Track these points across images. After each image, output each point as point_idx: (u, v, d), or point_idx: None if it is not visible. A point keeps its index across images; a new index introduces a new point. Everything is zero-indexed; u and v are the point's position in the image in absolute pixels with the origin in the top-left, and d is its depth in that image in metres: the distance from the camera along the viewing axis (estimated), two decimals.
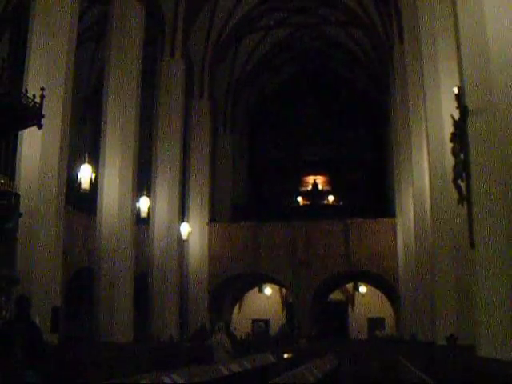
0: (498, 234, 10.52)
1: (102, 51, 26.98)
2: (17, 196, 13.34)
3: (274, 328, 37.67)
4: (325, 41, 39.79)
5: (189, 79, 33.28)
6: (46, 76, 17.06)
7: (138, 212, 25.80)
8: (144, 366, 14.93)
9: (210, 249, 34.00)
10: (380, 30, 32.39)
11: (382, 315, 39.79)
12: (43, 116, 13.41)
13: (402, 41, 26.19)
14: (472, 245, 11.23)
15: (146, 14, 25.55)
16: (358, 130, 42.97)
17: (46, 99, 13.45)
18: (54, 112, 16.78)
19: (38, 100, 13.18)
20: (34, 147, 16.72)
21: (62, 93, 17.46)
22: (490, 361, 9.87)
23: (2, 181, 12.98)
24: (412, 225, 24.94)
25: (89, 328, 22.46)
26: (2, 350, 9.33)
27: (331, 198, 42.40)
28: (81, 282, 25.79)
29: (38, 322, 11.65)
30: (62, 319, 18.11)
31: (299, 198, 42.85)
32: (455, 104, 11.84)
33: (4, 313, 12.13)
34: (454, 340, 14.32)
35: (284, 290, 39.60)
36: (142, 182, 26.35)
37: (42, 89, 13.36)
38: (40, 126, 13.58)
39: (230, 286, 36.48)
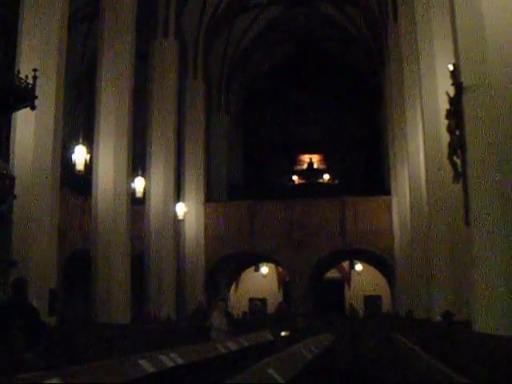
0: (493, 211, 10.57)
1: (95, 31, 26.80)
2: (11, 178, 13.33)
3: (271, 307, 37.73)
4: (319, 19, 39.56)
5: (182, 59, 33.17)
6: (38, 57, 16.94)
7: (134, 192, 25.77)
8: (142, 346, 14.96)
9: (206, 228, 34.00)
10: (375, 8, 32.28)
11: (378, 293, 39.96)
12: (36, 97, 13.37)
13: (396, 19, 26.10)
14: (467, 222, 11.28)
15: None
16: (353, 108, 42.91)
17: (38, 80, 13.42)
18: (47, 93, 16.68)
19: (30, 81, 13.14)
20: (28, 129, 16.63)
21: (54, 74, 17.33)
22: (485, 336, 9.93)
23: None
24: (407, 202, 24.98)
25: (86, 309, 22.50)
26: (0, 333, 9.35)
27: (327, 176, 42.46)
28: (77, 263, 25.80)
29: (35, 304, 11.67)
30: (60, 301, 18.12)
31: (295, 177, 42.91)
32: (450, 81, 11.87)
33: (1, 295, 12.15)
34: (450, 316, 14.37)
35: (280, 269, 39.64)
36: (137, 163, 26.30)
37: (35, 70, 13.33)
38: (33, 108, 13.55)
39: (226, 265, 36.53)
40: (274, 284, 41.58)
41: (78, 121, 32.56)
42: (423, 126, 18.21)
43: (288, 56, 43.86)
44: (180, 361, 8.33)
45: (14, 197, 13.27)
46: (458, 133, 11.58)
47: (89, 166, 21.76)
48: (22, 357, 8.87)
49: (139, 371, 6.98)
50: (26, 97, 13.27)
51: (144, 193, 27.16)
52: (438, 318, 15.58)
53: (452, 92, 11.76)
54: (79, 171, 20.92)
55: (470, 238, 11.25)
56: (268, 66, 44.44)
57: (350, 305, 37.38)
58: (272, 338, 16.51)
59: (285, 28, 40.79)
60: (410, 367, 8.72)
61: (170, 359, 8.10)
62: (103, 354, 12.68)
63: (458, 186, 12.13)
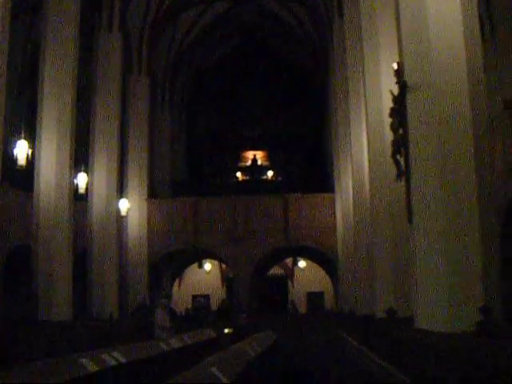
0: (435, 209, 10.70)
1: (38, 23, 26.40)
2: None
3: (215, 303, 37.71)
4: (264, 15, 39.62)
5: (127, 54, 32.91)
6: None
7: (76, 188, 25.47)
8: (84, 344, 14.81)
9: (149, 225, 33.81)
10: (320, 5, 32.41)
11: (321, 290, 40.19)
12: None
13: (341, 16, 26.21)
14: (410, 220, 11.39)
15: None
16: (297, 105, 43.04)
17: None
18: None
19: None
20: None
21: None
22: (427, 333, 10.04)
23: None
24: (351, 200, 25.15)
25: (27, 307, 22.18)
26: None
27: (270, 173, 42.53)
28: (18, 260, 25.43)
29: None
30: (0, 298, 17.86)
31: (238, 174, 42.88)
32: (394, 79, 11.95)
33: None
34: (393, 313, 14.51)
35: (224, 266, 39.65)
36: (80, 158, 25.99)
37: None
38: None
39: (169, 261, 36.40)
40: (218, 280, 41.57)
41: (20, 115, 32.09)
42: (367, 124, 18.35)
43: (233, 53, 43.80)
44: (122, 359, 8.26)
45: None
46: (401, 131, 11.67)
47: (31, 161, 21.45)
48: None
49: (81, 370, 6.90)
50: None
51: (86, 189, 26.86)
52: (382, 315, 15.72)
53: (396, 90, 11.85)
54: (21, 166, 20.61)
55: (412, 235, 11.36)
56: (213, 62, 44.34)
57: (292, 302, 37.61)
58: (215, 336, 16.49)
59: (231, 24, 40.74)
60: (354, 364, 8.78)
61: (113, 358, 8.02)
62: (44, 352, 12.52)
63: (401, 184, 12.24)
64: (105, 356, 7.93)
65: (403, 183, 11.91)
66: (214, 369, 6.10)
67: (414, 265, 11.27)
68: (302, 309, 39.10)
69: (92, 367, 7.15)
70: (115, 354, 8.22)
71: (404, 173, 11.77)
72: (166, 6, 34.76)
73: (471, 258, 10.35)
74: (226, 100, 43.21)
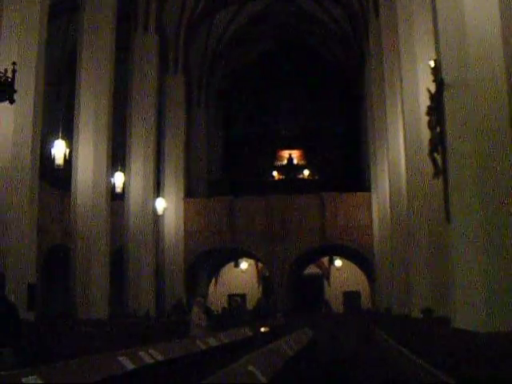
0: (473, 208, 10.59)
1: (76, 25, 26.60)
2: None
3: (251, 303, 37.71)
4: (300, 15, 39.52)
5: (163, 54, 33.04)
6: (18, 50, 16.83)
7: (113, 188, 25.63)
8: (121, 342, 14.88)
9: (185, 224, 33.93)
10: (356, 4, 32.28)
11: (357, 289, 40.02)
12: (15, 91, 13.28)
13: (377, 15, 26.09)
14: (448, 219, 11.29)
15: None
16: (333, 104, 42.89)
17: (18, 74, 13.32)
18: (27, 87, 16.59)
19: (9, 75, 13.03)
20: (7, 123, 16.53)
21: (34, 67, 17.24)
22: (464, 333, 9.95)
23: None
24: (387, 199, 25.02)
25: (65, 305, 22.37)
26: None
27: (306, 172, 42.42)
28: (56, 258, 25.66)
29: (13, 299, 11.56)
30: (38, 296, 18.01)
31: (274, 173, 42.82)
32: (431, 77, 11.88)
33: None
34: (429, 313, 14.42)
35: (260, 265, 39.66)
36: (117, 158, 26.17)
37: (14, 63, 13.23)
38: (12, 101, 13.44)
39: (205, 261, 36.50)
40: (254, 280, 41.58)
41: (58, 115, 32.36)
42: (404, 122, 18.25)
43: (269, 51, 43.75)
44: (160, 357, 8.28)
45: None
46: (438, 129, 11.59)
47: (68, 160, 21.62)
48: None
49: (119, 368, 6.93)
50: (4, 90, 13.15)
51: (123, 188, 27.01)
52: (418, 314, 15.62)
53: (433, 88, 11.78)
54: (58, 166, 20.77)
55: (450, 234, 11.27)
56: (249, 62, 44.28)
57: (325, 301, 37.48)
58: (252, 334, 16.49)
59: (266, 23, 40.69)
60: (391, 363, 8.71)
61: (150, 356, 8.05)
62: (82, 350, 12.60)
63: (439, 183, 12.15)
64: (142, 354, 7.95)
65: (441, 181, 11.82)
66: (251, 367, 6.09)
67: (452, 264, 11.18)
68: (339, 308, 38.94)
69: (129, 365, 7.18)
70: (152, 352, 8.25)
71: (442, 171, 11.68)
72: (201, 6, 34.87)
73: (510, 258, 10.24)
74: (262, 99, 43.20)
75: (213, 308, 27.65)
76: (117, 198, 26.70)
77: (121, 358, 7.19)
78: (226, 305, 36.60)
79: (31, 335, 11.95)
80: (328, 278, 41.33)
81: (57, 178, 25.35)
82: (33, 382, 5.05)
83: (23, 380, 5.02)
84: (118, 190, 26.43)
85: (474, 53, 10.80)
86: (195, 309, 17.09)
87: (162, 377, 8.16)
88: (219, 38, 38.97)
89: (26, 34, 17.30)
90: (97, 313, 21.48)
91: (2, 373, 5.28)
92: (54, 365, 6.12)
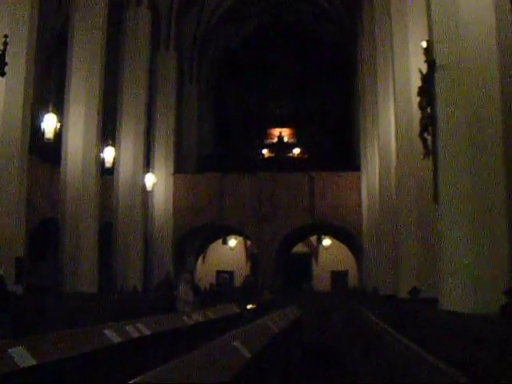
0: (462, 189, 10.61)
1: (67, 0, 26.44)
2: None
3: (239, 280, 37.82)
4: None
5: (155, 30, 32.88)
6: (9, 23, 16.74)
7: (103, 162, 25.57)
8: (108, 316, 14.93)
9: (174, 200, 33.95)
10: None
11: (345, 268, 40.16)
12: (6, 63, 13.22)
13: None
14: (436, 199, 11.32)
15: None
16: (324, 82, 42.81)
17: (9, 46, 13.25)
18: (18, 60, 16.50)
19: (0, 47, 12.97)
20: None
21: (25, 40, 17.16)
22: (451, 314, 10.00)
23: None
24: (377, 178, 25.05)
25: (53, 279, 22.40)
26: None
27: (296, 150, 42.46)
28: (45, 232, 25.65)
29: (1, 272, 11.58)
30: (27, 270, 18.02)
31: (264, 151, 42.85)
32: (423, 58, 11.85)
33: None
34: (416, 293, 14.48)
35: (248, 242, 39.75)
36: (107, 133, 26.09)
37: (6, 36, 13.17)
38: (3, 74, 13.39)
39: (194, 237, 36.57)
40: (242, 257, 41.69)
41: (49, 89, 32.24)
42: (395, 102, 18.23)
43: (261, 29, 43.62)
44: (146, 331, 8.33)
45: None
46: (429, 110, 11.59)
47: (58, 134, 21.56)
48: None
49: (105, 341, 6.96)
50: None
51: (113, 163, 26.94)
52: (405, 294, 15.68)
53: (425, 69, 11.77)
54: (48, 139, 20.72)
55: (438, 214, 11.30)
56: (241, 39, 44.21)
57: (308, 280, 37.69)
58: (238, 311, 16.56)
59: (259, 0, 40.53)
60: (376, 343, 8.77)
61: (136, 329, 8.09)
62: (69, 323, 12.63)
63: (428, 163, 12.17)
64: (129, 328, 7.99)
65: (430, 162, 11.85)
66: (236, 342, 6.14)
67: (439, 245, 11.22)
68: (326, 287, 39.09)
69: (116, 338, 7.22)
70: (139, 326, 8.29)
71: (431, 152, 11.70)
72: None
73: (497, 239, 10.27)
74: (253, 77, 43.11)
75: (200, 284, 27.71)
76: (107, 173, 26.65)
77: (107, 331, 7.22)
78: (214, 281, 36.73)
79: (18, 308, 11.97)
80: (316, 257, 41.47)
81: (47, 153, 25.26)
82: (19, 353, 5.07)
83: (9, 351, 5.04)
84: (108, 164, 26.34)
85: (467, 34, 10.79)
86: (183, 285, 17.15)
87: (148, 350, 8.20)
88: (212, 15, 38.76)
89: (17, 7, 17.18)
90: (85, 287, 21.53)
91: None
92: (41, 336, 6.15)
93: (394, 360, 6.37)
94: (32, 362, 5.17)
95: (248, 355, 5.90)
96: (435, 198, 11.37)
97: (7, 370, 4.90)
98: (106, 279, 26.20)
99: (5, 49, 13.04)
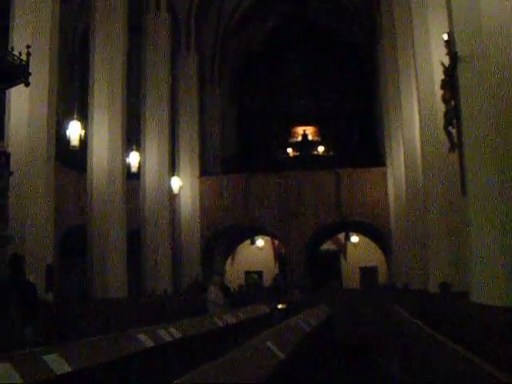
0: (489, 181, 10.54)
1: (88, 5, 26.59)
2: (7, 155, 13.31)
3: (268, 279, 37.83)
4: None
5: (175, 32, 32.99)
6: (31, 33, 16.88)
7: (129, 167, 25.69)
8: (139, 320, 15.00)
9: (201, 202, 34.03)
10: None
11: (374, 264, 40.01)
12: (30, 73, 13.32)
13: None
14: (463, 192, 11.26)
15: None
16: (347, 79, 42.70)
17: (32, 57, 13.36)
18: (41, 69, 16.62)
19: (24, 58, 13.07)
20: (22, 106, 16.60)
21: (48, 50, 17.28)
22: (482, 307, 9.93)
23: None
24: (403, 173, 24.98)
25: (83, 285, 22.53)
26: None
27: (321, 148, 42.34)
28: (74, 239, 25.81)
29: (32, 280, 11.66)
30: (56, 277, 18.15)
31: (289, 149, 42.78)
32: (445, 51, 11.80)
33: None
34: (447, 287, 14.41)
35: (276, 242, 39.71)
36: (132, 138, 26.23)
37: (28, 46, 13.27)
38: (27, 84, 13.49)
39: (222, 238, 36.60)
40: (270, 257, 41.63)
41: (73, 96, 32.44)
42: (418, 96, 18.16)
43: (282, 28, 43.57)
44: (178, 335, 8.35)
45: (11, 173, 13.25)
46: (453, 103, 11.54)
47: (83, 141, 21.70)
48: (19, 333, 8.88)
49: (138, 346, 6.99)
50: (19, 73, 13.20)
51: (139, 168, 27.07)
52: (435, 289, 15.61)
53: (447, 62, 11.71)
54: (74, 147, 20.87)
55: (467, 207, 11.24)
56: (262, 38, 44.16)
57: (334, 281, 37.57)
58: (269, 311, 16.56)
59: None
60: (409, 339, 8.74)
61: (169, 333, 8.12)
62: (101, 329, 12.70)
63: (454, 156, 12.12)
64: (161, 332, 8.02)
65: (456, 155, 11.79)
66: (269, 343, 6.14)
67: (469, 238, 11.15)
68: (355, 284, 39.00)
69: (148, 343, 7.25)
70: (171, 330, 8.32)
71: (457, 145, 11.64)
72: None
73: None
74: (276, 76, 43.09)
75: (230, 285, 27.75)
76: (132, 178, 26.77)
77: (140, 336, 7.26)
78: (242, 282, 36.75)
79: (51, 316, 12.05)
80: (345, 254, 41.36)
81: (73, 159, 25.44)
82: (54, 359, 5.11)
83: (44, 358, 5.08)
84: (134, 169, 26.47)
85: (488, 25, 10.71)
86: (212, 286, 17.18)
87: (181, 354, 8.22)
88: (232, 14, 38.78)
89: (39, 17, 17.31)
90: (114, 292, 21.63)
91: (24, 351, 5.35)
92: (75, 343, 6.19)
93: (429, 357, 6.34)
94: (67, 368, 5.21)
95: (282, 355, 5.90)
96: (463, 190, 11.31)
97: (44, 378, 4.94)
98: (134, 284, 26.34)
99: (28, 59, 13.13)
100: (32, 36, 16.73)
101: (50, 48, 17.41)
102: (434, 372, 5.92)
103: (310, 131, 43.15)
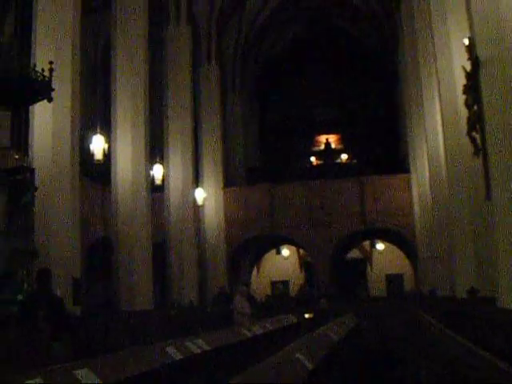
0: None
1: (108, 20, 26.76)
2: (31, 170, 13.41)
3: (294, 289, 37.79)
4: None
5: (196, 44, 33.13)
6: (53, 49, 17.00)
7: (153, 180, 25.79)
8: (166, 332, 15.03)
9: (226, 213, 34.07)
10: None
11: (400, 272, 39.85)
12: (53, 89, 13.44)
13: None
14: (488, 197, 11.21)
15: None
16: (368, 86, 42.60)
17: (54, 72, 13.47)
18: (64, 85, 16.73)
19: (46, 74, 13.19)
20: (46, 121, 16.72)
21: (70, 65, 17.39)
22: (510, 312, 9.87)
23: (17, 156, 13.06)
24: (427, 179, 24.90)
25: (109, 298, 22.61)
26: (26, 324, 9.40)
27: (344, 156, 42.29)
28: (99, 252, 25.92)
29: (59, 294, 11.73)
30: (83, 290, 18.24)
31: (312, 158, 42.77)
32: (466, 56, 11.77)
33: (26, 286, 12.23)
34: (474, 293, 14.33)
35: (301, 251, 39.67)
36: (155, 150, 26.33)
37: (51, 62, 13.39)
38: (50, 100, 13.60)
39: (247, 248, 36.61)
40: (296, 266, 41.59)
41: (96, 111, 32.65)
42: (440, 101, 18.10)
43: (302, 36, 43.60)
44: (206, 347, 8.36)
45: (35, 188, 13.35)
46: (476, 107, 11.50)
47: (107, 154, 21.82)
48: (48, 347, 8.92)
49: (167, 358, 7.01)
50: (42, 89, 13.33)
51: (163, 180, 27.16)
52: (462, 295, 15.53)
53: (468, 67, 11.68)
54: (98, 160, 20.98)
55: (492, 212, 11.18)
56: (282, 46, 44.21)
57: (363, 286, 37.45)
58: (296, 321, 16.53)
59: (297, 7, 40.54)
60: (437, 346, 8.69)
61: (197, 346, 8.12)
62: (128, 341, 12.75)
63: (478, 161, 12.06)
64: (189, 344, 8.03)
65: (481, 160, 11.74)
66: (298, 354, 6.13)
67: (495, 243, 11.09)
68: (381, 291, 38.86)
69: (177, 355, 7.26)
70: (199, 342, 8.32)
71: (480, 149, 11.60)
72: None
73: None
74: (297, 84, 43.08)
75: (256, 296, 27.76)
76: (157, 190, 26.87)
77: (168, 349, 7.27)
78: (269, 292, 36.75)
79: (79, 329, 12.11)
80: (370, 262, 41.23)
81: (97, 173, 25.58)
82: (84, 374, 5.13)
83: (75, 372, 5.11)
84: (158, 182, 26.55)
85: (509, 29, 10.67)
86: (238, 297, 17.18)
87: (209, 366, 8.23)
88: (251, 25, 38.88)
89: (60, 33, 17.44)
90: (141, 305, 21.68)
91: (55, 366, 5.38)
92: (104, 357, 6.22)
93: (456, 364, 6.31)
94: (98, 382, 5.24)
95: (311, 366, 5.89)
96: (488, 195, 11.26)
97: None
98: (160, 296, 26.40)
99: (51, 75, 13.24)
100: (54, 52, 16.85)
101: (72, 63, 17.51)
102: (460, 377, 5.89)
103: (332, 139, 43.10)
